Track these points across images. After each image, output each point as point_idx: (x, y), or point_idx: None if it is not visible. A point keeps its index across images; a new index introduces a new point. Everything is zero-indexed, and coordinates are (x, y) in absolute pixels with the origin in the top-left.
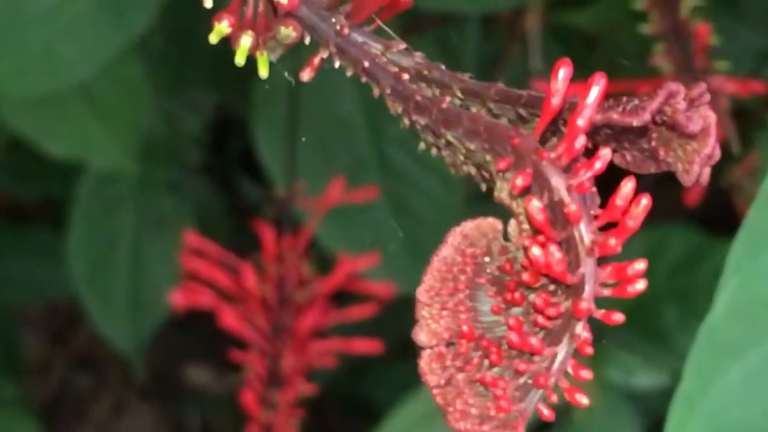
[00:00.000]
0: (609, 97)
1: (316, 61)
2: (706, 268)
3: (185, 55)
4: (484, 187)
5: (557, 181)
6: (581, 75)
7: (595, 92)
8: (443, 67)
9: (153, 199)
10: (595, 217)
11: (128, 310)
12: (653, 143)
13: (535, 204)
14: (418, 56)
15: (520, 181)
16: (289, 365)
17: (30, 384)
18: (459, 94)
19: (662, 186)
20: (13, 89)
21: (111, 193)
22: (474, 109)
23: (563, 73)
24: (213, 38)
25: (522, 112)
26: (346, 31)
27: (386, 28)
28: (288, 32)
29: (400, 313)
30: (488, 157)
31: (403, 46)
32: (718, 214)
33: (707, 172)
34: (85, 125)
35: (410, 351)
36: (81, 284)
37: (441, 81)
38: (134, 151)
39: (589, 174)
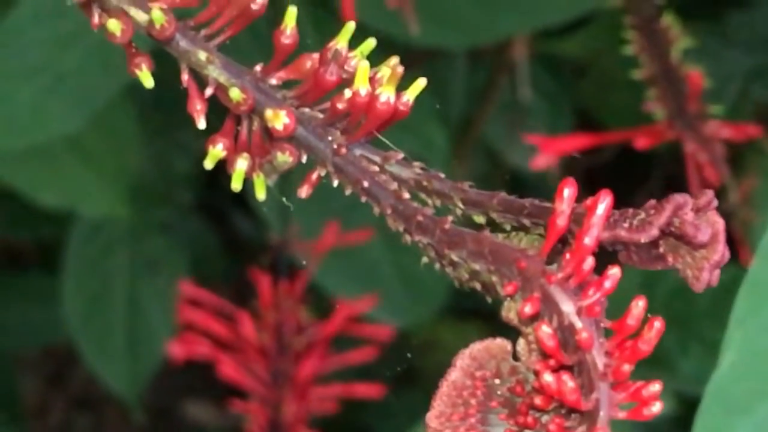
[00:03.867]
0: (603, 144)
1: (314, 178)
2: (705, 292)
3: (174, 97)
4: (489, 299)
5: (567, 306)
6: (571, 103)
7: (601, 210)
8: (443, 175)
9: (146, 241)
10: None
11: (125, 353)
12: (661, 250)
13: (546, 330)
14: (417, 167)
15: (528, 309)
16: (290, 413)
17: (29, 428)
18: (460, 205)
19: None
20: (2, 142)
21: (104, 236)
22: (476, 219)
23: (568, 193)
24: (208, 164)
25: (525, 221)
26: (343, 150)
27: (383, 138)
28: (285, 158)
29: (400, 345)
30: (494, 278)
31: (401, 156)
32: None
33: (717, 274)
34: (76, 175)
35: (412, 381)
36: (77, 328)
37: (441, 191)
38: (125, 197)
39: (599, 295)
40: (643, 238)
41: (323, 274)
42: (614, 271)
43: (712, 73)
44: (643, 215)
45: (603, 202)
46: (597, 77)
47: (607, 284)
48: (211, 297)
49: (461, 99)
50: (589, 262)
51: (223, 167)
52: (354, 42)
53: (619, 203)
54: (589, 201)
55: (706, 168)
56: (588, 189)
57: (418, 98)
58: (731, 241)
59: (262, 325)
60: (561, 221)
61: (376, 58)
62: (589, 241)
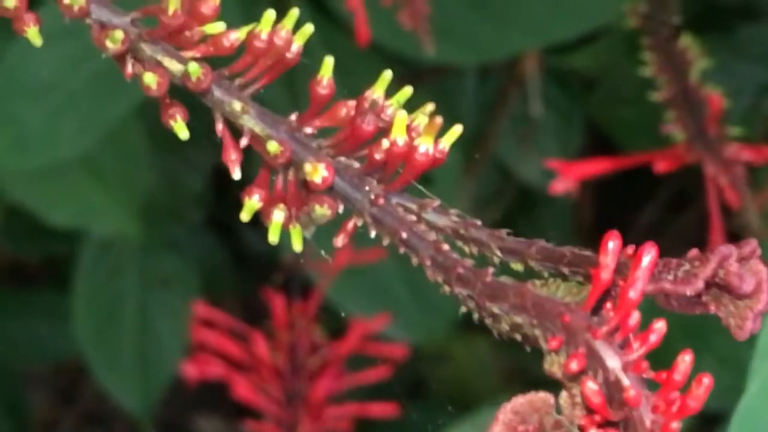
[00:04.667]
0: (623, 168)
1: (350, 227)
2: None
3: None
4: (528, 348)
5: (613, 362)
6: (582, 117)
7: (646, 262)
8: (479, 223)
9: (157, 258)
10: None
11: (136, 370)
12: (703, 298)
13: (591, 387)
14: (454, 214)
15: (574, 366)
16: None
17: None
18: (498, 253)
19: (671, 217)
20: (12, 163)
21: (115, 253)
22: (513, 266)
23: (613, 246)
24: (245, 216)
25: (564, 270)
26: (381, 201)
27: (419, 187)
28: (323, 211)
29: (411, 358)
30: (537, 332)
31: (437, 203)
32: None
33: (759, 322)
34: (86, 193)
35: (421, 393)
36: (88, 345)
37: (479, 239)
38: (136, 214)
39: (644, 350)
40: (689, 291)
41: (336, 293)
42: (659, 325)
43: (722, 85)
44: (687, 266)
45: (648, 255)
46: (607, 91)
47: (653, 338)
48: (224, 317)
49: (472, 113)
50: (635, 317)
51: (231, 182)
52: (367, 61)
53: (627, 215)
54: (630, 249)
55: (726, 191)
56: (596, 200)
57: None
58: None
59: (275, 345)
60: (606, 275)
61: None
62: (634, 294)
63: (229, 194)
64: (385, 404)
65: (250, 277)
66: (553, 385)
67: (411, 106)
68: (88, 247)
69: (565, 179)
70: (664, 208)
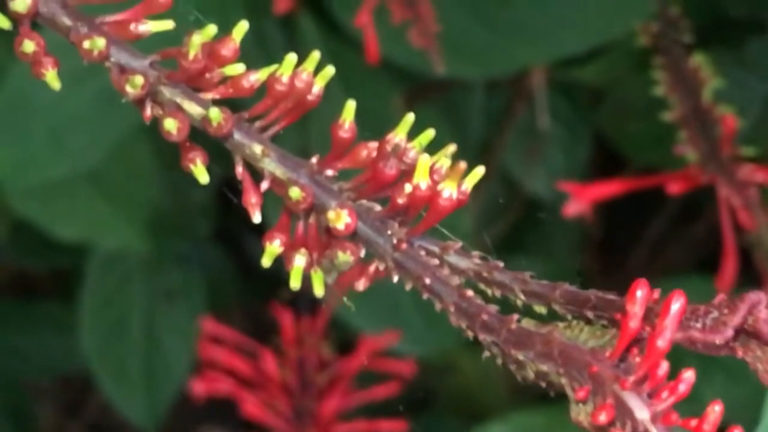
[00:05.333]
0: (635, 189)
1: (372, 271)
2: None
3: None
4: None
5: (642, 413)
6: (589, 130)
7: (675, 311)
8: (501, 264)
9: (163, 272)
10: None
11: (142, 383)
12: (731, 344)
13: None
14: (476, 256)
15: (603, 418)
16: None
17: None
18: (521, 296)
19: (676, 232)
20: (20, 179)
21: (121, 267)
22: (536, 309)
23: (641, 295)
24: (266, 261)
25: (588, 314)
26: (404, 246)
27: (443, 230)
28: (346, 258)
29: (418, 369)
30: (563, 380)
31: (459, 245)
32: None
33: None
34: (93, 208)
35: (428, 405)
36: (94, 359)
37: (502, 282)
38: (143, 229)
39: (673, 399)
40: (718, 340)
41: (344, 308)
42: (688, 375)
43: (730, 98)
44: (715, 313)
45: (676, 303)
46: (614, 105)
47: (682, 388)
48: (232, 333)
49: (479, 126)
50: (664, 367)
51: (236, 195)
52: (374, 76)
53: (635, 226)
54: (656, 294)
55: (739, 212)
56: (604, 212)
57: (435, 126)
58: (756, 271)
59: (284, 361)
60: (634, 324)
61: (394, 88)
62: (662, 344)
63: (236, 207)
64: (394, 421)
65: (257, 290)
66: (558, 400)
67: (419, 120)
68: (95, 261)
69: (578, 201)
70: (672, 220)
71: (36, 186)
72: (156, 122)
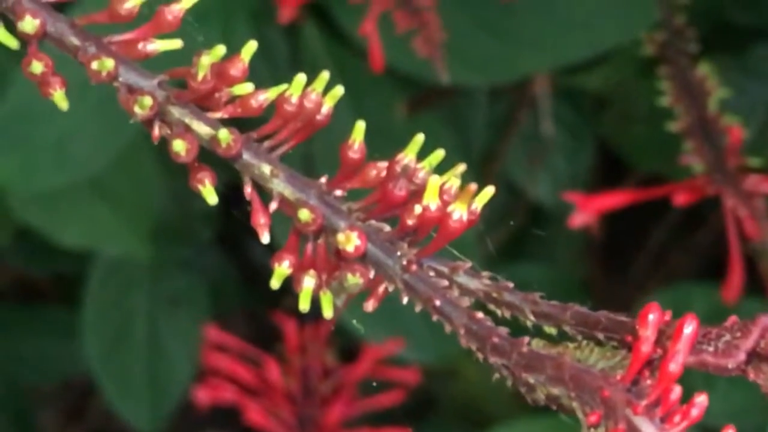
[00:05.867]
0: (642, 200)
1: (380, 292)
2: None
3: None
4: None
5: None
6: (592, 134)
7: (687, 334)
8: (511, 285)
9: (166, 278)
10: None
11: (145, 390)
12: (742, 367)
13: None
14: (486, 277)
15: None
16: None
17: None
18: (531, 317)
19: (679, 240)
20: (23, 186)
21: (124, 273)
22: (546, 330)
23: (653, 318)
24: (274, 283)
25: (599, 335)
26: (413, 268)
27: (453, 251)
28: (356, 280)
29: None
30: (575, 404)
31: (468, 265)
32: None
33: None
34: (97, 215)
35: (431, 410)
36: (97, 365)
37: (511, 303)
38: (146, 236)
39: (686, 424)
40: (730, 364)
41: (347, 315)
42: (701, 399)
43: (733, 106)
44: (727, 337)
45: (689, 327)
46: (618, 111)
47: (694, 413)
48: (236, 341)
49: (482, 133)
50: (677, 391)
51: (239, 200)
52: (378, 83)
53: (638, 233)
54: (667, 316)
55: (746, 222)
56: (607, 218)
57: (438, 133)
58: (760, 280)
59: (287, 369)
60: (646, 348)
61: (397, 95)
62: (675, 368)
63: (237, 213)
64: (398, 429)
65: (260, 295)
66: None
67: (422, 127)
68: (98, 266)
69: (584, 212)
70: (675, 227)
71: (39, 193)
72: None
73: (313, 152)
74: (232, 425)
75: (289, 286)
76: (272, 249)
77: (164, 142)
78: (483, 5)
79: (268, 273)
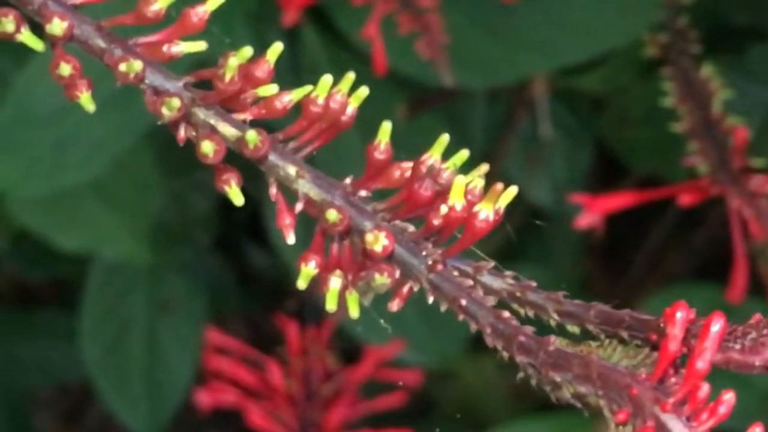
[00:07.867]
0: (647, 200)
1: (405, 291)
2: None
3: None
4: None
5: None
6: (591, 135)
7: (715, 332)
8: (534, 284)
9: (164, 281)
10: None
11: (144, 394)
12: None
13: None
14: (509, 276)
15: None
16: None
17: None
18: (555, 316)
19: (677, 239)
20: (23, 190)
21: (122, 276)
22: (569, 329)
23: (680, 317)
24: (301, 283)
25: (623, 333)
26: (439, 267)
27: (477, 251)
28: (383, 280)
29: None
30: (601, 402)
31: (492, 265)
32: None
33: None
34: (96, 218)
35: (429, 411)
36: (95, 368)
37: (535, 302)
38: (146, 239)
39: (714, 422)
40: (758, 362)
41: (348, 319)
42: (728, 396)
43: (733, 107)
44: (753, 334)
45: (716, 324)
46: (616, 112)
47: (722, 410)
48: (237, 344)
49: (480, 134)
50: (705, 389)
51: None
52: (377, 85)
53: (638, 232)
54: (692, 313)
55: (750, 223)
56: (607, 217)
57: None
58: (759, 280)
59: (289, 372)
60: (673, 346)
61: (397, 97)
62: (702, 365)
63: (236, 216)
64: (398, 431)
65: (258, 298)
66: (559, 407)
67: (422, 128)
68: (96, 270)
69: (590, 213)
70: (673, 227)
71: (38, 196)
72: (159, 130)
73: (314, 154)
74: (234, 428)
75: (287, 289)
76: (270, 253)
77: (168, 147)
78: (482, 6)
79: (267, 277)
